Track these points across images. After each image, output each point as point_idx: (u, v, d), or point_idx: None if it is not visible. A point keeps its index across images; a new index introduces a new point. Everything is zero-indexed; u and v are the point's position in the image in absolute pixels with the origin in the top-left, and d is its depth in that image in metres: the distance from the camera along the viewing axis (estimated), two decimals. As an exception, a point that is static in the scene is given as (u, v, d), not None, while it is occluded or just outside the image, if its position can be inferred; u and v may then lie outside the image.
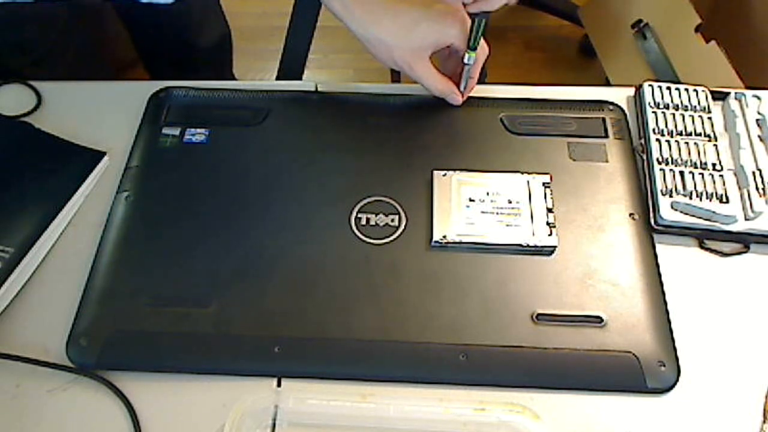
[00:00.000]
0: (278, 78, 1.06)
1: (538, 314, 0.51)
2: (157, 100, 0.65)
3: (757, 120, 0.62)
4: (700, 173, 0.58)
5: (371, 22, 0.58)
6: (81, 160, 0.60)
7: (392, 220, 0.56)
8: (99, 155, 0.61)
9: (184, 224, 0.56)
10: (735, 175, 0.59)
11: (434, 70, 0.61)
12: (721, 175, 0.58)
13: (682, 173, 0.58)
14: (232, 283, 0.53)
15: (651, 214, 0.57)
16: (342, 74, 1.62)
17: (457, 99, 0.63)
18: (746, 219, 0.56)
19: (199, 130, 0.62)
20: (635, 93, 0.66)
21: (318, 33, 1.02)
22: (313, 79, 0.62)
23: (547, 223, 0.55)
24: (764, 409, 0.48)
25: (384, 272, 0.53)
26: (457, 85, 0.62)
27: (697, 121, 0.62)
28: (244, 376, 0.50)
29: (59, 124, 0.63)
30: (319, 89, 0.66)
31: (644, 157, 0.60)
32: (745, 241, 0.56)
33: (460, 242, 0.54)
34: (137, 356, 0.50)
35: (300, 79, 1.05)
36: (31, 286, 0.54)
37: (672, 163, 0.59)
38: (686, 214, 0.56)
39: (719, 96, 0.65)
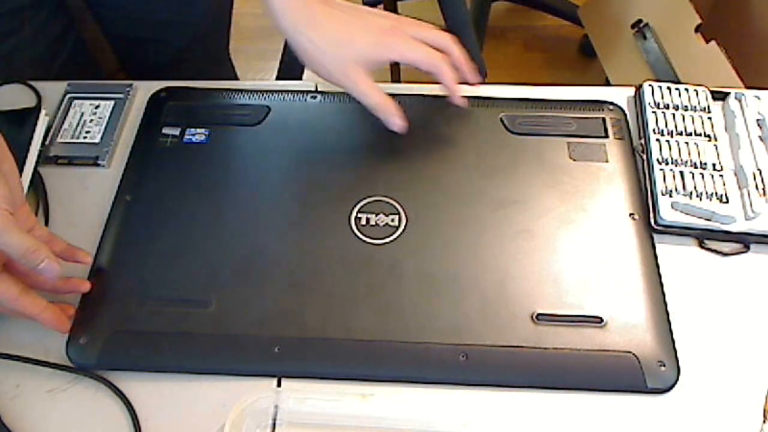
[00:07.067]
0: (278, 78, 1.06)
1: (538, 314, 0.51)
2: (157, 100, 0.65)
3: (757, 120, 0.62)
4: (700, 173, 0.58)
5: (306, 25, 0.53)
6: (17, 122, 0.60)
7: (392, 220, 0.56)
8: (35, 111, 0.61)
9: (184, 224, 0.56)
10: (735, 175, 0.59)
11: (371, 82, 0.56)
12: (721, 175, 0.58)
13: (682, 173, 0.58)
14: (232, 283, 0.53)
15: (651, 214, 0.56)
16: (342, 74, 1.61)
17: (397, 121, 0.57)
18: (746, 219, 0.56)
19: (199, 130, 0.62)
20: (635, 93, 0.66)
21: (318, 33, 1.02)
22: (313, 79, 0.62)
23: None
24: (764, 409, 0.48)
25: (384, 272, 0.53)
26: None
27: (697, 121, 0.62)
28: (244, 376, 0.50)
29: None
30: (319, 89, 0.67)
31: (644, 157, 0.60)
32: (745, 241, 0.56)
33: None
34: (137, 356, 0.50)
35: (300, 79, 1.05)
36: (31, 286, 0.54)
37: (672, 163, 0.59)
38: (686, 214, 0.56)
39: (719, 96, 0.65)
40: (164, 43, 0.85)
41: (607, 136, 0.62)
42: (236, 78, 1.03)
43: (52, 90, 0.66)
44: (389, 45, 0.55)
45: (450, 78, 0.57)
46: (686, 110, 0.63)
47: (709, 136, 0.61)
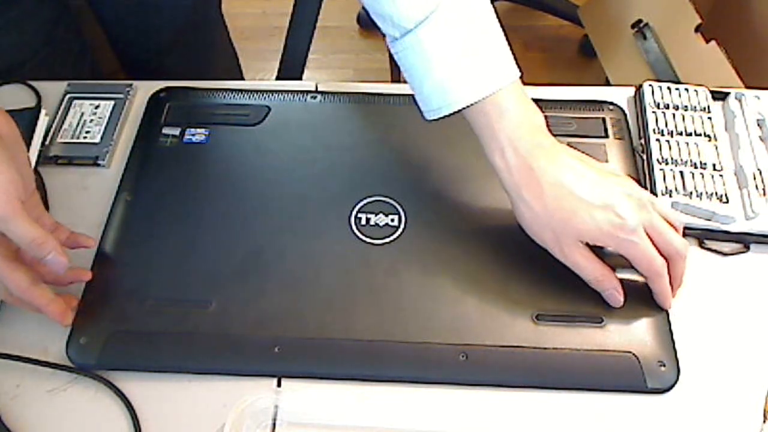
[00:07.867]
0: (278, 78, 1.07)
1: (538, 314, 0.51)
2: (157, 100, 0.65)
3: (757, 120, 0.62)
4: (700, 173, 0.58)
5: (528, 190, 0.51)
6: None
7: (392, 220, 0.56)
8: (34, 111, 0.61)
9: (184, 224, 0.56)
10: (735, 175, 0.59)
11: (590, 254, 0.51)
12: (721, 175, 0.58)
13: (682, 173, 0.58)
14: (232, 283, 0.53)
15: (651, 214, 0.56)
16: (342, 74, 1.62)
17: (616, 297, 0.51)
18: (746, 219, 0.56)
19: (199, 130, 0.62)
20: (635, 93, 0.66)
21: (318, 33, 1.03)
22: (313, 79, 0.62)
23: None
24: (764, 409, 0.48)
25: (384, 272, 0.53)
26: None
27: (697, 121, 0.62)
28: (244, 376, 0.50)
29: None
30: (319, 89, 0.67)
31: (644, 157, 0.60)
32: (745, 241, 0.56)
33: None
34: (137, 356, 0.50)
35: (300, 79, 1.06)
36: (31, 286, 0.54)
37: (672, 163, 0.59)
38: (686, 214, 0.56)
39: (719, 96, 0.65)
40: (159, 28, 0.86)
41: (607, 136, 0.62)
42: (235, 53, 1.02)
43: (52, 90, 0.66)
44: (610, 236, 0.49)
45: (661, 291, 0.51)
46: (686, 110, 0.63)
47: (709, 136, 0.61)
